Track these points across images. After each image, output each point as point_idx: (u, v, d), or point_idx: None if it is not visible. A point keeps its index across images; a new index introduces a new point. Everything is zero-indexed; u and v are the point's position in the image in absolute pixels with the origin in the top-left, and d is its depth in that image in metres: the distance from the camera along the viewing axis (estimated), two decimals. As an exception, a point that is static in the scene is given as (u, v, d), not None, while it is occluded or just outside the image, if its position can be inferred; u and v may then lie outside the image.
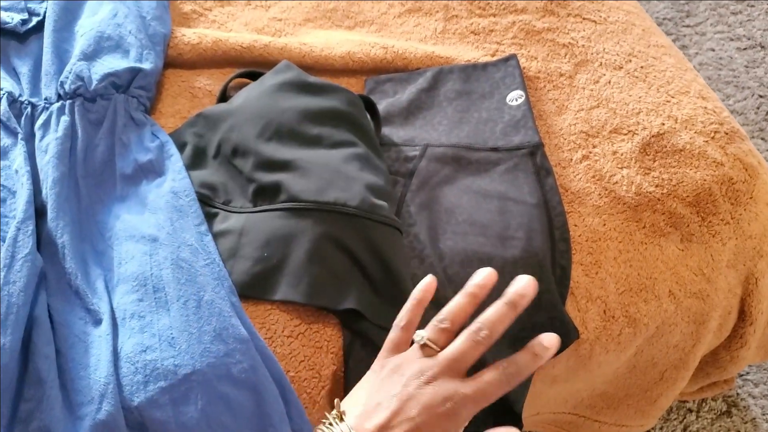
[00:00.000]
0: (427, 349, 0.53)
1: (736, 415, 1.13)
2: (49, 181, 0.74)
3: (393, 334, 0.56)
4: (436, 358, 0.53)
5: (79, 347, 0.64)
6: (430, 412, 0.51)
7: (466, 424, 0.53)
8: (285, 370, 0.66)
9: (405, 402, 0.51)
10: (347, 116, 0.76)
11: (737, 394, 1.15)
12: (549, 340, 0.53)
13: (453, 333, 0.54)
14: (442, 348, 0.53)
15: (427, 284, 0.57)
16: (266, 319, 0.68)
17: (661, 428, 1.12)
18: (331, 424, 0.51)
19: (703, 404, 1.14)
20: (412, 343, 0.55)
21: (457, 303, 0.54)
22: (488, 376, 0.52)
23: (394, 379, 0.53)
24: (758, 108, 1.59)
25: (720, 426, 1.12)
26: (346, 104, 0.76)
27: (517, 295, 0.52)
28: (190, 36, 0.90)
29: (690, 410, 1.14)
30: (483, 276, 0.55)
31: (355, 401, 0.53)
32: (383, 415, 0.51)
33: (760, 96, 1.62)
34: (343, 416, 0.52)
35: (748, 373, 1.17)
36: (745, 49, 1.71)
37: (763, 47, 1.71)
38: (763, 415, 1.13)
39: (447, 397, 0.51)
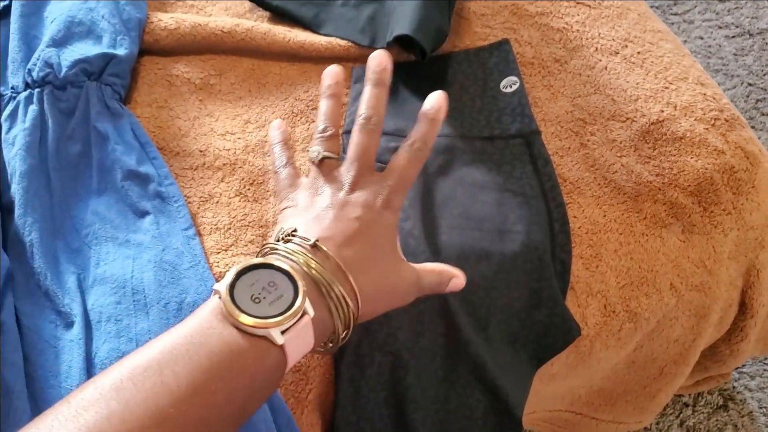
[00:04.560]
0: (327, 163, 0.54)
1: (733, 408, 1.11)
2: (17, 175, 0.69)
3: (283, 173, 0.56)
4: (345, 164, 0.54)
5: (49, 353, 0.59)
6: (368, 209, 0.52)
7: (400, 213, 0.56)
8: (271, 373, 0.62)
9: (342, 208, 0.52)
10: None
11: (733, 387, 1.13)
12: (435, 101, 0.56)
13: (339, 135, 0.57)
14: (338, 153, 0.55)
15: (279, 122, 0.59)
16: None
17: (657, 423, 1.10)
18: (287, 239, 0.50)
19: (699, 398, 1.12)
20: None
21: (327, 107, 0.57)
22: (400, 159, 0.55)
23: (319, 198, 0.54)
24: (748, 96, 1.58)
25: (717, 420, 1.11)
26: None
27: (380, 73, 0.57)
28: (167, 21, 0.85)
29: (686, 404, 1.12)
30: (333, 74, 0.59)
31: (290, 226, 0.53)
32: (327, 221, 0.51)
33: (750, 84, 1.60)
34: (293, 233, 0.51)
35: (744, 365, 1.16)
36: (733, 37, 1.69)
37: (751, 35, 1.69)
38: (761, 408, 1.11)
39: (376, 191, 0.53)
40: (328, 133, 0.55)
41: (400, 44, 0.84)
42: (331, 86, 0.58)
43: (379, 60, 0.57)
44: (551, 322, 0.68)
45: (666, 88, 0.83)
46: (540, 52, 0.87)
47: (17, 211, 0.67)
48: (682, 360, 0.85)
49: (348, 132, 0.77)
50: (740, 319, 0.86)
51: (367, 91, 0.56)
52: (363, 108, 0.55)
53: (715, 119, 0.81)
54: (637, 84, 0.84)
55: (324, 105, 0.57)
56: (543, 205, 0.71)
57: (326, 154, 0.54)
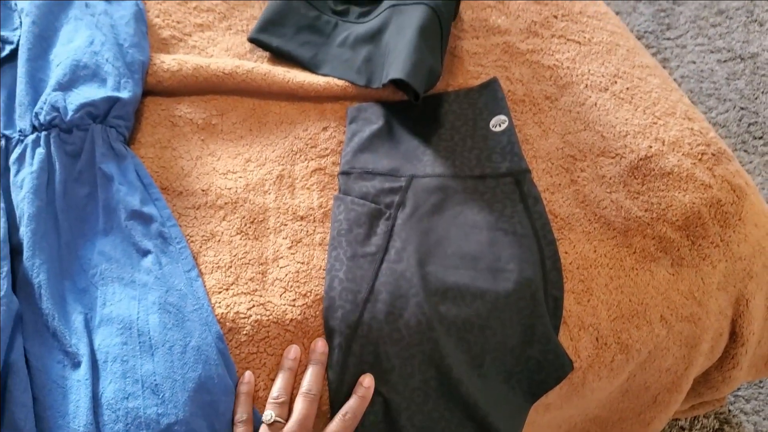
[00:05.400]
0: (276, 425, 0.62)
1: (729, 432, 1.13)
2: (25, 218, 0.71)
3: (240, 430, 0.63)
4: (289, 426, 0.62)
5: (56, 393, 0.61)
6: None
7: None
8: (273, 411, 0.64)
9: None
10: None
11: (729, 410, 1.15)
12: (368, 380, 0.66)
13: (288, 403, 0.65)
14: (287, 419, 0.63)
15: (249, 377, 0.66)
16: (250, 363, 0.66)
17: (653, 448, 1.11)
18: None
19: (696, 422, 1.13)
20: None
21: (282, 379, 0.65)
22: (333, 427, 0.63)
23: None
24: (740, 120, 1.60)
25: (712, 444, 1.12)
26: None
27: (320, 355, 0.66)
28: (169, 63, 0.88)
29: (682, 428, 1.13)
30: (293, 352, 0.67)
31: None
32: None
33: (742, 108, 1.62)
34: None
35: (739, 389, 1.17)
36: (725, 61, 1.72)
37: (743, 59, 1.72)
38: (756, 431, 1.13)
39: None
40: (281, 400, 0.64)
41: (394, 84, 0.87)
42: (291, 361, 0.67)
43: (321, 344, 0.67)
44: (544, 358, 0.69)
45: (654, 123, 0.86)
46: (531, 90, 0.89)
47: (26, 253, 0.69)
48: (675, 388, 0.86)
49: (344, 173, 0.80)
50: (731, 348, 0.87)
51: (310, 370, 0.66)
52: (305, 383, 0.65)
53: (702, 154, 0.83)
54: (626, 120, 0.86)
55: (281, 377, 0.66)
56: (534, 243, 0.73)
57: (277, 418, 0.63)
